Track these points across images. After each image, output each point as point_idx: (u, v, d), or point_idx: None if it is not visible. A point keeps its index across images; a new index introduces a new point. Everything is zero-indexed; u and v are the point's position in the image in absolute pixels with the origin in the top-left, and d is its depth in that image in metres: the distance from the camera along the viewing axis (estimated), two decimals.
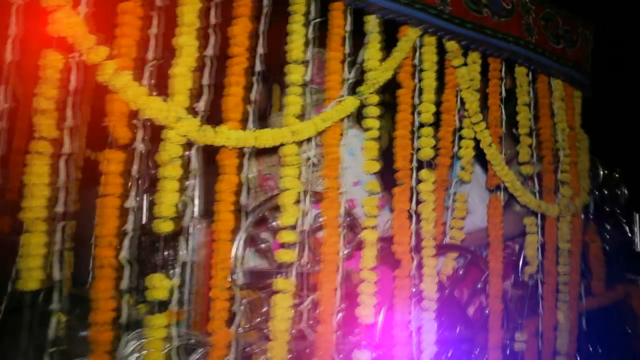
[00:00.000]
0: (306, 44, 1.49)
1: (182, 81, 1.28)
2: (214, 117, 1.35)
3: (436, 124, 1.79)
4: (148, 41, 1.30)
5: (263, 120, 2.01)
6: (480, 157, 2.09)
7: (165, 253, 1.44)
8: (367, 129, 1.62)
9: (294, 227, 1.42)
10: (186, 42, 1.29)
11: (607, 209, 2.63)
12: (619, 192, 2.66)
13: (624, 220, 2.68)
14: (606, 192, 2.62)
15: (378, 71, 1.62)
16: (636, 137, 3.23)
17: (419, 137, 1.71)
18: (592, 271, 2.43)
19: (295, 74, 1.47)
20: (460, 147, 1.92)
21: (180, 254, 1.32)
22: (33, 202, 1.13)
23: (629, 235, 2.70)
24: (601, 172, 2.55)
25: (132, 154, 1.25)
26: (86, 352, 1.31)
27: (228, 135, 1.29)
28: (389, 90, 1.74)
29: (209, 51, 1.36)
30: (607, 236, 2.61)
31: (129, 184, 1.23)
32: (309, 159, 1.48)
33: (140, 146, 1.24)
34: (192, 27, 1.30)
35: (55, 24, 1.13)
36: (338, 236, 1.50)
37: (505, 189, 2.02)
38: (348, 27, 1.58)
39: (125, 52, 1.23)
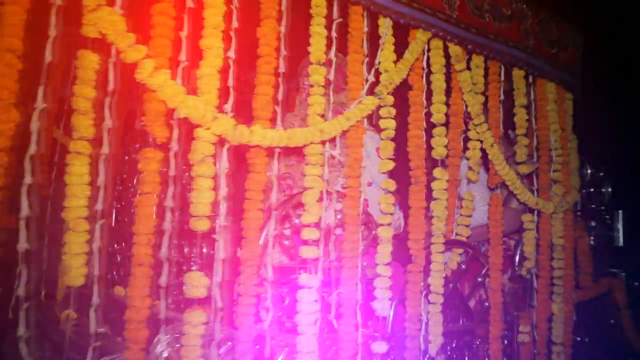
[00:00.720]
0: (328, 45, 1.54)
1: (210, 81, 1.31)
2: (238, 117, 1.38)
3: (444, 125, 1.87)
4: (178, 42, 1.32)
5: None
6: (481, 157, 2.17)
7: (192, 250, 1.46)
8: (383, 129, 1.68)
9: (316, 225, 1.46)
10: (212, 43, 1.32)
11: (593, 207, 2.77)
12: (603, 191, 2.81)
13: (608, 217, 2.83)
14: (592, 190, 2.76)
15: (392, 72, 1.68)
16: (619, 137, 3.41)
17: (431, 137, 1.78)
18: (580, 265, 2.56)
19: (317, 75, 1.51)
20: (467, 148, 2.00)
21: (214, 252, 1.35)
22: (73, 201, 1.14)
23: (612, 231, 2.86)
24: (588, 172, 2.69)
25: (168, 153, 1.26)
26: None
27: (263, 135, 1.32)
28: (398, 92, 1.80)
29: (232, 53, 1.39)
30: (593, 232, 2.75)
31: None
32: (331, 158, 1.52)
33: (176, 145, 1.26)
34: (218, 28, 1.33)
35: (95, 23, 1.14)
36: (358, 233, 1.55)
37: (502, 186, 2.12)
38: (366, 30, 1.63)
39: (160, 52, 1.24)
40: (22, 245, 1.07)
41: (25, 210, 1.07)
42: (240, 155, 1.40)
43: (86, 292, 1.20)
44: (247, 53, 1.45)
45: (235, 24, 1.35)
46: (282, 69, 1.42)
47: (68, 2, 1.15)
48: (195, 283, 1.25)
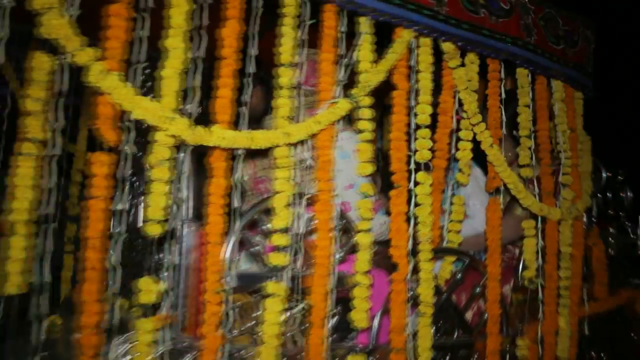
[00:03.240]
0: (296, 46, 1.48)
1: (171, 83, 1.28)
2: (202, 120, 1.34)
3: (431, 126, 1.77)
4: (135, 43, 1.29)
5: (259, 123, 2.00)
6: (481, 160, 2.06)
7: (159, 256, 1.43)
8: (360, 131, 1.60)
9: (286, 230, 1.40)
10: (174, 44, 1.29)
11: (611, 212, 2.58)
12: (622, 195, 2.61)
13: (629, 224, 2.63)
14: (610, 195, 2.58)
15: (370, 73, 1.61)
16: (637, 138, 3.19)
17: (415, 139, 1.69)
18: (595, 275, 2.39)
19: (284, 77, 1.46)
20: (457, 149, 1.89)
21: (171, 257, 1.31)
22: (17, 204, 1.12)
23: (633, 238, 2.65)
24: (604, 175, 2.51)
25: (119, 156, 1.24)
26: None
27: (223, 135, 1.28)
28: (384, 92, 1.72)
29: (196, 53, 1.35)
30: (611, 240, 2.56)
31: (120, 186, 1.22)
32: (302, 161, 1.46)
33: (127, 148, 1.23)
34: (180, 29, 1.30)
35: (44, 26, 1.13)
36: (330, 239, 1.48)
37: (506, 191, 2.00)
38: (341, 29, 1.57)
39: (113, 54, 1.23)
40: None
41: None
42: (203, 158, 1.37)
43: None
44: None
45: (200, 22, 1.31)
46: (249, 70, 1.37)
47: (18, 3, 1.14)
48: (146, 288, 1.21)
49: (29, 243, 1.11)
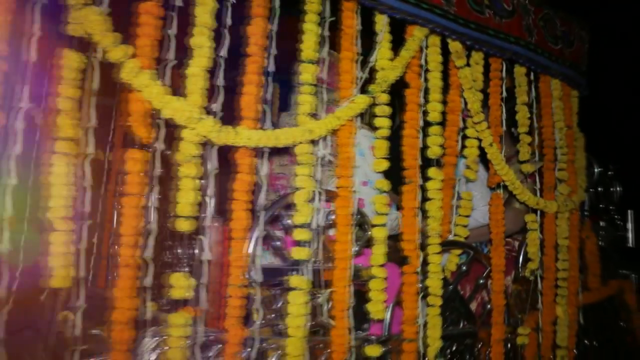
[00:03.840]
0: (319, 43, 1.51)
1: (197, 81, 1.29)
2: (225, 117, 1.36)
3: (440, 124, 1.83)
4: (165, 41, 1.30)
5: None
6: (481, 155, 2.13)
7: (178, 251, 1.45)
8: (376, 128, 1.65)
9: (307, 225, 1.44)
10: (200, 42, 1.31)
11: (602, 206, 2.70)
12: (612, 190, 2.73)
13: (618, 217, 2.75)
14: (601, 189, 2.69)
15: (387, 70, 1.65)
16: (630, 135, 3.32)
17: (426, 136, 1.75)
18: (588, 267, 2.49)
19: (306, 73, 1.49)
20: (464, 147, 1.96)
21: (197, 252, 1.34)
22: (54, 202, 1.13)
23: (622, 231, 2.78)
24: (596, 170, 2.62)
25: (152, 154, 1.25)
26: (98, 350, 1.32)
27: (249, 136, 1.30)
28: (396, 90, 1.76)
29: (221, 52, 1.37)
30: (602, 232, 2.67)
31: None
32: (322, 157, 1.50)
33: (159, 146, 1.25)
34: (206, 27, 1.32)
35: (77, 23, 1.13)
36: (350, 234, 1.52)
37: (505, 186, 2.07)
38: (359, 27, 1.61)
39: (144, 51, 1.23)
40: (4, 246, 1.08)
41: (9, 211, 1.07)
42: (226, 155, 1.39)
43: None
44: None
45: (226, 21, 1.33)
46: (270, 68, 1.40)
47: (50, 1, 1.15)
48: (178, 284, 1.24)
49: (68, 239, 1.12)
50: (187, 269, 1.35)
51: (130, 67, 1.18)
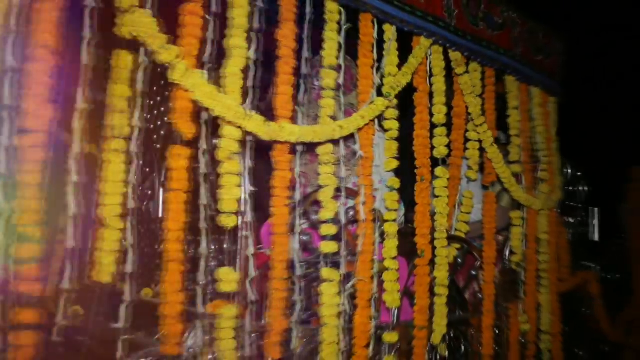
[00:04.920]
0: (339, 50, 1.60)
1: (235, 80, 1.34)
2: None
3: (444, 125, 1.97)
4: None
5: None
6: None
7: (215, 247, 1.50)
8: (386, 130, 1.76)
9: (333, 221, 1.52)
10: (237, 43, 1.36)
11: (571, 204, 2.95)
12: (579, 189, 2.99)
13: (584, 214, 3.02)
14: (570, 188, 2.93)
15: (399, 75, 1.76)
16: (593, 139, 3.63)
17: (433, 137, 1.87)
18: (560, 259, 2.72)
19: (329, 78, 1.57)
20: (467, 149, 2.10)
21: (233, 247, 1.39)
22: (108, 199, 1.16)
23: (587, 227, 3.05)
24: (568, 172, 2.86)
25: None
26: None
27: (292, 130, 1.37)
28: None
29: (254, 54, 1.42)
30: (570, 228, 2.92)
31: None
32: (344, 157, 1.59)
33: (205, 143, 1.29)
34: (242, 29, 1.37)
35: (128, 25, 1.16)
36: (373, 228, 1.62)
37: (492, 185, 2.25)
38: (375, 36, 1.71)
39: (188, 51, 1.27)
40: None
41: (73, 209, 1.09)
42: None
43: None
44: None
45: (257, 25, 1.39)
46: (304, 71, 1.47)
47: (102, 4, 1.17)
48: (226, 278, 1.29)
49: (119, 236, 1.15)
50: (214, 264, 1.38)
51: (181, 68, 1.21)
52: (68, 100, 1.15)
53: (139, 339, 1.33)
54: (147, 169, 2.08)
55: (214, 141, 1.34)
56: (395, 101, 1.75)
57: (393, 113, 1.76)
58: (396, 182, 1.77)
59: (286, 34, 1.47)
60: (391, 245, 1.73)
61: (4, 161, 1.03)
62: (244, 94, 1.39)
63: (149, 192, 2.07)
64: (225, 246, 1.53)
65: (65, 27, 1.12)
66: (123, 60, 1.19)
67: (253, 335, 1.38)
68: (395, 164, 1.77)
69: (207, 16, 1.35)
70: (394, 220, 1.75)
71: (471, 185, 2.34)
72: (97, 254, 1.15)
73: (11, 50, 1.05)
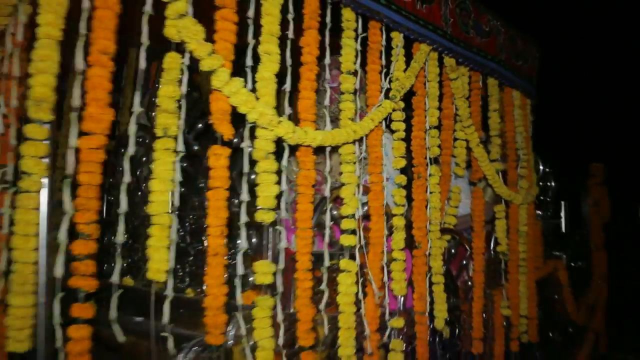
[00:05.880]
0: (356, 55, 1.72)
1: (268, 84, 1.43)
2: None
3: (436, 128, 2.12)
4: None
5: None
6: None
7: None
8: (393, 132, 1.89)
9: (353, 216, 1.64)
10: (269, 49, 1.45)
11: (542, 198, 3.20)
12: (549, 185, 3.24)
13: (553, 208, 3.28)
14: (541, 184, 3.18)
15: (402, 79, 1.90)
16: (559, 138, 3.92)
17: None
18: (535, 249, 2.95)
19: (348, 83, 1.69)
20: (454, 147, 2.27)
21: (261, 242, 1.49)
22: (156, 197, 1.22)
23: (556, 220, 3.32)
24: (541, 168, 3.10)
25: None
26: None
27: (315, 136, 1.47)
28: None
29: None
30: (541, 220, 3.17)
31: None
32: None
33: (243, 143, 1.38)
34: (274, 35, 1.46)
35: (179, 31, 1.23)
36: (383, 222, 1.75)
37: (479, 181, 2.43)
38: (383, 43, 1.83)
39: (223, 55, 1.34)
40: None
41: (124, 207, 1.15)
42: None
43: None
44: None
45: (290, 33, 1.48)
46: (327, 77, 1.58)
47: (156, 11, 1.23)
48: (262, 270, 1.38)
49: (168, 233, 1.22)
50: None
51: (222, 75, 1.29)
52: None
53: (184, 332, 1.39)
54: None
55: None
56: (401, 104, 1.88)
57: (400, 115, 1.89)
58: (403, 179, 1.91)
59: (309, 42, 1.57)
60: (399, 237, 1.87)
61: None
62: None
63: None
64: (253, 240, 1.63)
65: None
66: (173, 61, 1.24)
67: (285, 323, 1.47)
68: (403, 162, 1.91)
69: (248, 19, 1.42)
70: (402, 215, 1.89)
71: (458, 181, 2.52)
72: (148, 252, 1.21)
73: (79, 54, 1.09)
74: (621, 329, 3.64)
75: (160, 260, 1.23)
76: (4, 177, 1.21)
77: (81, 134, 1.10)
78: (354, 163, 1.66)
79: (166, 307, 1.29)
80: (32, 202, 1.04)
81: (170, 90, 1.25)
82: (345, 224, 1.63)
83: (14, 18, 1.17)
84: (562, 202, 3.31)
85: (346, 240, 1.63)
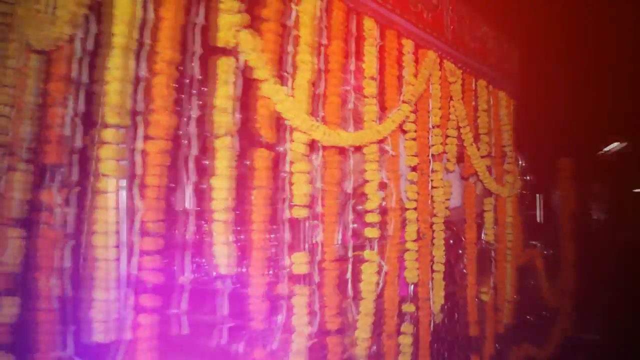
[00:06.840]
0: (375, 61, 1.84)
1: (303, 91, 1.53)
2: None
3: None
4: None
5: None
6: None
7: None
8: (405, 132, 2.04)
9: (376, 210, 1.78)
10: (305, 58, 1.55)
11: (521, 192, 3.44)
12: (526, 178, 3.49)
13: (529, 200, 3.54)
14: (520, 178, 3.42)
15: (416, 84, 2.04)
16: (535, 135, 4.19)
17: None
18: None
19: (370, 88, 1.81)
20: (446, 144, 2.44)
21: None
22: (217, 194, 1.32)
23: (533, 210, 3.58)
24: (522, 163, 3.33)
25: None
26: None
27: (346, 137, 1.60)
28: None
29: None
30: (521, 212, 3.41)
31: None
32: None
33: (283, 146, 1.48)
34: (308, 45, 1.56)
35: (238, 43, 1.32)
36: (400, 216, 1.90)
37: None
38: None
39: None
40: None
41: (189, 204, 1.24)
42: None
43: None
44: None
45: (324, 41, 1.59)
46: (352, 83, 1.70)
47: (208, 22, 1.31)
48: (298, 261, 1.50)
49: (229, 229, 1.31)
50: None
51: (271, 84, 1.39)
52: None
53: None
54: None
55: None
56: (412, 107, 2.03)
57: (412, 117, 2.04)
58: (415, 176, 2.06)
59: (335, 50, 1.68)
60: (412, 229, 2.02)
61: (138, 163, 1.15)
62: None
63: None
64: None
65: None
66: (226, 64, 1.32)
67: (317, 310, 1.60)
68: (415, 160, 2.06)
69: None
70: (414, 209, 2.04)
71: (450, 176, 2.70)
72: (214, 248, 1.30)
73: (141, 62, 1.17)
74: (590, 311, 3.97)
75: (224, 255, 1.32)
76: (65, 177, 1.26)
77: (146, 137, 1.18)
78: (377, 161, 1.79)
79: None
80: (110, 202, 1.11)
81: (225, 90, 1.32)
82: (370, 218, 1.76)
83: (84, 27, 1.22)
84: (537, 195, 3.57)
85: (371, 232, 1.76)
